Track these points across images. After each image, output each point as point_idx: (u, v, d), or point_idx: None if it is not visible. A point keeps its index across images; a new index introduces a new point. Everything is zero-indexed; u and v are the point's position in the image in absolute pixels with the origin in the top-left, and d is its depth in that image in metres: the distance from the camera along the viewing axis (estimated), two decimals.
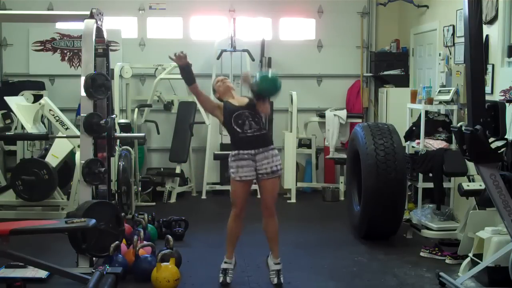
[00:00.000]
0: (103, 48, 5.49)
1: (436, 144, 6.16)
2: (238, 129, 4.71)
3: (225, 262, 4.89)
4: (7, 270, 4.80)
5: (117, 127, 6.81)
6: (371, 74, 8.90)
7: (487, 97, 4.89)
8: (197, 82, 4.88)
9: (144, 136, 6.33)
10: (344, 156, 7.50)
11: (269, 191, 4.78)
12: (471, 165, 5.26)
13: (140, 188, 7.60)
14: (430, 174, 6.04)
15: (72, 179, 6.89)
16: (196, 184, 8.49)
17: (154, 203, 7.75)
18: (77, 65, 8.58)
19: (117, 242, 4.79)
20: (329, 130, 8.34)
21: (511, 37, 5.77)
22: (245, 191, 4.82)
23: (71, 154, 6.88)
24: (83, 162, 4.90)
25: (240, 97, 4.94)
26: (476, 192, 5.21)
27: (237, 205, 4.82)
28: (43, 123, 7.49)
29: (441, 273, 4.76)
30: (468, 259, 4.91)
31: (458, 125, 4.83)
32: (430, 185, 6.09)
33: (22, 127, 7.12)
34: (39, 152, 7.43)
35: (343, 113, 8.35)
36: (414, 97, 6.60)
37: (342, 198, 8.08)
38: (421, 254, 5.58)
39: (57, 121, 6.79)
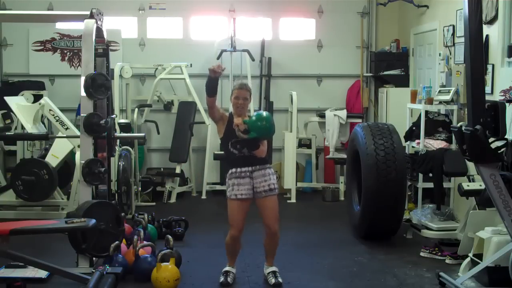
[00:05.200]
0: (103, 48, 5.49)
1: (436, 144, 6.16)
2: (235, 151, 4.68)
3: (227, 267, 4.91)
4: (7, 270, 4.80)
5: (117, 127, 6.81)
6: (371, 74, 8.90)
7: (487, 97, 4.89)
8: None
9: (144, 136, 6.33)
10: (344, 156, 7.50)
11: (270, 210, 4.69)
12: (471, 165, 5.26)
13: (140, 188, 7.60)
14: (430, 174, 6.04)
15: (72, 179, 6.89)
16: (196, 184, 8.49)
17: (154, 203, 7.75)
18: (77, 65, 8.58)
19: (117, 242, 4.79)
20: (329, 130, 8.34)
21: (511, 37, 5.77)
22: (243, 211, 4.70)
23: (71, 154, 6.88)
24: (83, 162, 4.90)
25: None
26: (476, 192, 5.21)
27: (234, 226, 4.72)
28: (43, 123, 7.48)
29: (441, 273, 4.76)
30: (468, 259, 4.91)
31: (458, 125, 4.83)
32: (430, 185, 6.09)
33: (22, 127, 7.11)
34: (39, 152, 7.43)
35: (343, 113, 8.35)
36: (414, 97, 6.60)
37: (342, 198, 8.07)
38: (421, 254, 5.58)
39: (57, 121, 6.79)
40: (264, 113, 4.68)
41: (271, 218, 4.71)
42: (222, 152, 7.80)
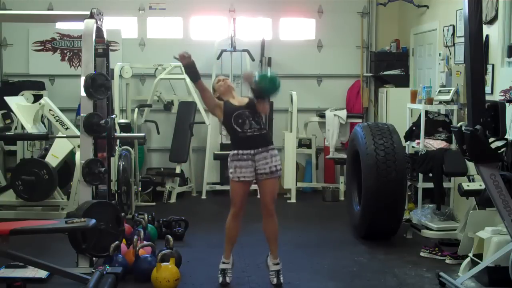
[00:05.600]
0: (103, 48, 5.49)
1: (436, 144, 6.17)
2: (238, 129, 4.71)
3: (223, 263, 4.90)
4: (7, 270, 4.80)
5: (117, 127, 6.81)
6: (371, 74, 8.90)
7: (487, 97, 4.89)
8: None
9: (144, 136, 6.32)
10: (344, 156, 7.50)
11: (268, 191, 4.78)
12: (471, 165, 5.26)
13: (140, 188, 7.60)
14: (430, 174, 6.04)
15: (72, 179, 6.89)
16: (196, 184, 8.49)
17: (154, 203, 7.75)
18: (77, 65, 8.58)
19: (117, 242, 4.79)
20: (329, 130, 8.34)
21: (511, 37, 5.77)
22: (244, 191, 4.80)
23: (71, 154, 6.88)
24: (83, 162, 4.91)
25: (240, 97, 4.95)
26: (476, 192, 5.21)
27: (236, 204, 4.81)
28: (43, 123, 7.48)
29: (441, 273, 4.76)
30: (468, 259, 4.91)
31: (458, 125, 4.83)
32: (430, 185, 6.09)
33: (22, 127, 7.12)
34: (39, 152, 7.43)
35: (343, 113, 8.35)
36: (414, 97, 6.60)
37: (342, 198, 8.07)
38: (421, 254, 5.58)
39: (57, 121, 6.79)
40: (269, 71, 4.75)
41: (267, 197, 4.80)
42: (222, 152, 7.90)
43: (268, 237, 4.90)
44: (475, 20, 4.32)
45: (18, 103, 7.06)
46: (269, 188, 4.78)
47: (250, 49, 8.28)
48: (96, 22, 5.17)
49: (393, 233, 6.03)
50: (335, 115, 8.33)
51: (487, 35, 5.91)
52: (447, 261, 5.36)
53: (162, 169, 8.40)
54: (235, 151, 4.74)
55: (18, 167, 6.83)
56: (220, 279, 4.82)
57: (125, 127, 7.39)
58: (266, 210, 4.82)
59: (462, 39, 5.81)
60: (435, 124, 6.39)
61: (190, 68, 4.82)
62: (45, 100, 6.93)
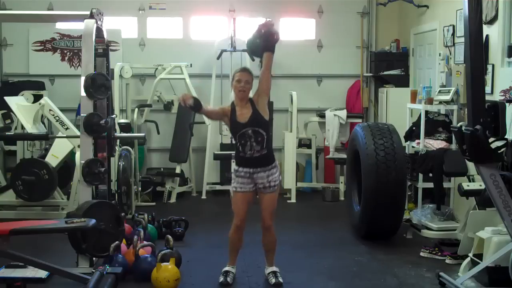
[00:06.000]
0: (103, 48, 5.48)
1: (436, 144, 6.17)
2: (240, 148, 4.73)
3: (228, 266, 4.93)
4: (7, 270, 4.79)
5: (117, 127, 6.81)
6: (371, 74, 8.90)
7: (487, 97, 4.89)
8: (202, 104, 4.74)
9: (144, 136, 6.33)
10: (344, 156, 7.50)
11: (265, 206, 4.80)
12: (471, 165, 5.26)
13: (140, 188, 7.60)
14: (430, 174, 6.04)
15: (72, 179, 6.89)
16: (196, 184, 8.49)
17: (154, 203, 7.74)
18: (77, 65, 8.58)
19: (117, 242, 4.79)
20: (329, 130, 8.34)
21: (511, 37, 5.78)
22: (245, 203, 4.80)
23: (71, 154, 6.88)
24: (83, 162, 4.91)
25: (246, 106, 4.77)
26: (476, 192, 5.21)
27: (238, 216, 4.82)
28: (43, 123, 7.48)
29: (441, 273, 4.76)
30: (468, 259, 4.91)
31: (458, 125, 4.83)
32: (430, 185, 6.10)
33: (22, 127, 7.11)
34: (39, 152, 7.43)
35: (343, 113, 8.35)
36: (414, 97, 6.61)
37: (342, 198, 8.07)
38: (421, 254, 5.57)
39: (57, 121, 6.79)
40: None
41: (265, 213, 4.83)
42: (222, 152, 7.90)
43: (265, 250, 4.95)
44: (475, 20, 4.32)
45: (18, 103, 7.06)
46: (266, 203, 4.80)
47: None
48: (96, 22, 5.17)
49: (393, 233, 6.03)
50: (335, 115, 8.32)
51: (487, 35, 5.92)
52: (447, 261, 5.36)
53: (162, 169, 8.40)
54: (236, 167, 4.81)
55: (18, 167, 6.83)
56: (221, 279, 4.83)
57: (125, 127, 7.39)
58: (263, 224, 4.86)
59: (462, 39, 5.81)
60: (435, 124, 6.40)
61: (194, 106, 4.66)
62: (45, 100, 6.93)
